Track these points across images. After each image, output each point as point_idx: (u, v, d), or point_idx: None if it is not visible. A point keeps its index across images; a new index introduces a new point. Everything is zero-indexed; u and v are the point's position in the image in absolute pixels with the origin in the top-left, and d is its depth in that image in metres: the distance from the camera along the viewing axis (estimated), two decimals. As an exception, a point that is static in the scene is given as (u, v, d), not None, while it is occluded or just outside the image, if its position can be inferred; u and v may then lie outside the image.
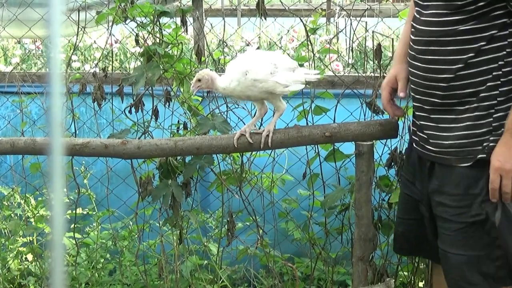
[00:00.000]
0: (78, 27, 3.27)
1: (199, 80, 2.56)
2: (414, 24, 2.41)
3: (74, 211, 3.46)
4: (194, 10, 3.54)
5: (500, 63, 2.27)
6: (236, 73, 2.53)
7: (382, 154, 3.21)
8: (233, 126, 3.13)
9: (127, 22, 3.10)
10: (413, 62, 2.41)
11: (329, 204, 3.20)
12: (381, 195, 3.23)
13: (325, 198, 3.23)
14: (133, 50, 4.24)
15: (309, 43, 3.14)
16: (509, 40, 2.27)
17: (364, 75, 3.32)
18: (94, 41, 3.78)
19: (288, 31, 4.13)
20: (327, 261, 3.42)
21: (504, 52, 2.26)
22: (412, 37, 2.42)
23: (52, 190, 1.24)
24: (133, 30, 3.16)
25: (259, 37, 3.77)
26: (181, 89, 3.15)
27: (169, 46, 3.11)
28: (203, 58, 3.25)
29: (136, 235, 3.49)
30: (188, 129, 3.21)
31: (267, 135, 2.67)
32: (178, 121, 3.27)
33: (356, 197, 2.81)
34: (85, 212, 3.75)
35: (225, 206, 3.31)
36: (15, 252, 3.73)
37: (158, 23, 3.08)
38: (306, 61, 3.16)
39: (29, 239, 3.70)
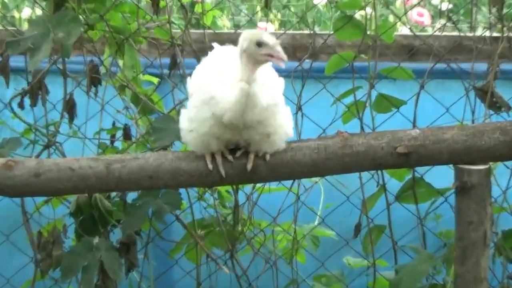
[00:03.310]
0: None
1: (258, 45, 1.67)
2: None
3: None
4: None
5: None
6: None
7: (507, 188, 2.39)
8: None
9: None
10: None
11: (406, 286, 2.32)
12: (507, 267, 2.47)
13: (397, 273, 2.37)
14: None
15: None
16: None
17: (470, 35, 2.44)
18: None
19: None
20: None
21: None
22: None
23: None
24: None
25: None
26: (120, 63, 2.36)
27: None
28: (162, 3, 2.26)
29: None
30: (133, 139, 2.40)
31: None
32: (114, 124, 2.46)
33: (458, 271, 2.04)
34: None
35: (203, 289, 2.41)
36: None
37: None
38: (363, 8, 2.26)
39: None
